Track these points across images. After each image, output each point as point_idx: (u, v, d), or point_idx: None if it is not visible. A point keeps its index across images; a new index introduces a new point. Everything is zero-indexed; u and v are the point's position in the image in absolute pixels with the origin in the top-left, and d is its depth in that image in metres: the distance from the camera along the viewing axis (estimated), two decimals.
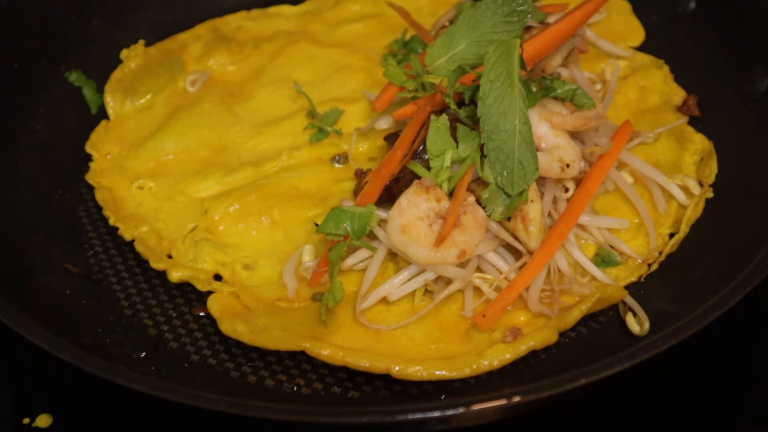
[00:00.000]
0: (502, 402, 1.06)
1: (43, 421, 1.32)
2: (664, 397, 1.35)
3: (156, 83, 1.73)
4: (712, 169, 1.50)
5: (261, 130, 1.63)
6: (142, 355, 1.33)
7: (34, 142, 1.59)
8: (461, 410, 1.05)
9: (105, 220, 1.54)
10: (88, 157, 1.63)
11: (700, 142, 1.56)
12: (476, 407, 1.05)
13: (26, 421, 1.32)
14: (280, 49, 1.78)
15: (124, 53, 1.79)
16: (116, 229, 1.51)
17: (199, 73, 1.75)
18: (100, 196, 1.55)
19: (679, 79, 1.69)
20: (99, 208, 1.55)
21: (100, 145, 1.65)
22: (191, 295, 1.43)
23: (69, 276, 1.43)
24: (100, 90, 1.73)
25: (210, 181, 1.55)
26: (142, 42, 1.81)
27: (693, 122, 1.60)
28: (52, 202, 1.55)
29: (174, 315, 1.40)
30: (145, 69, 1.76)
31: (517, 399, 1.06)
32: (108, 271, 1.47)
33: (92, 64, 1.73)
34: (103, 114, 1.71)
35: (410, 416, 1.05)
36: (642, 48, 1.77)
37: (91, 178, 1.58)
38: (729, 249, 1.37)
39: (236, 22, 1.90)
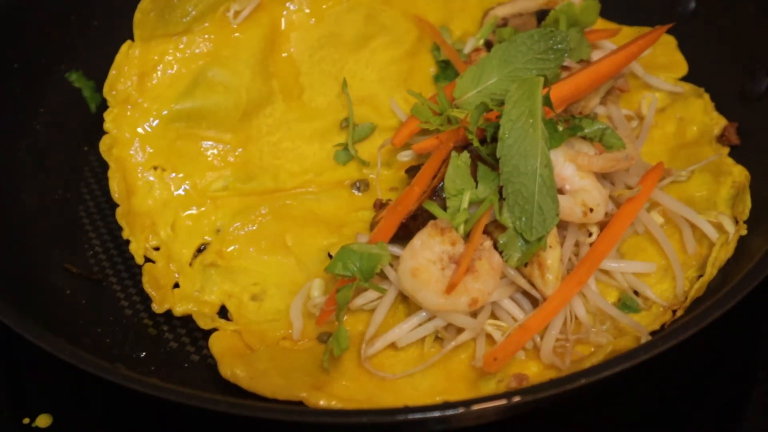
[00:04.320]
0: (502, 402, 1.06)
1: (43, 421, 1.32)
2: (663, 397, 1.35)
3: (198, 5, 1.51)
4: (745, 204, 1.41)
5: (290, 125, 1.56)
6: (142, 355, 1.33)
7: (34, 142, 1.59)
8: (461, 410, 1.05)
9: (105, 219, 1.54)
10: (88, 157, 1.63)
11: (738, 174, 1.46)
12: (476, 407, 1.05)
13: (26, 421, 1.32)
14: None
15: None
16: (116, 228, 1.50)
17: (246, 2, 1.54)
18: (113, 186, 1.46)
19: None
20: (100, 208, 1.56)
21: (119, 84, 1.49)
22: None
23: (69, 276, 1.43)
24: (99, 90, 1.72)
25: (225, 182, 1.49)
26: None
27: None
28: (52, 202, 1.55)
29: (174, 315, 1.39)
30: None
31: (517, 399, 1.06)
32: (108, 271, 1.47)
33: (92, 64, 1.73)
34: (103, 113, 1.70)
35: (410, 416, 1.05)
36: None
37: (104, 144, 1.48)
38: (732, 256, 1.37)
39: None
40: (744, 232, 1.38)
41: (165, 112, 1.50)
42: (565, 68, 1.47)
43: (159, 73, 1.51)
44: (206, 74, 1.52)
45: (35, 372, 1.41)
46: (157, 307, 1.39)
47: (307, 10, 1.60)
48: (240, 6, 1.54)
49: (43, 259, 1.44)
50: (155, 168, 1.49)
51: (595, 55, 1.53)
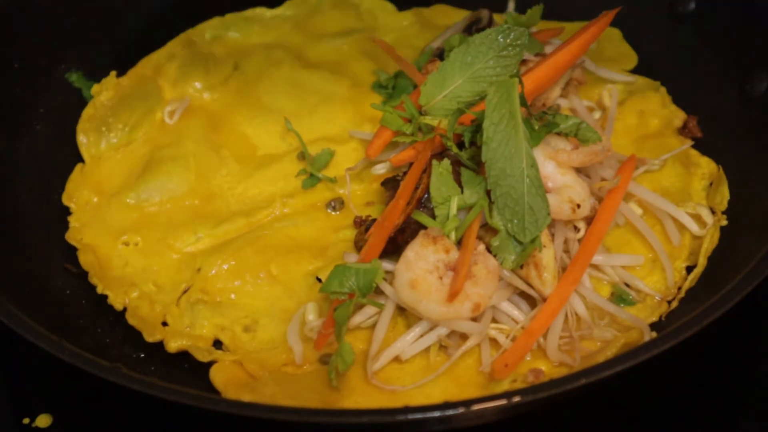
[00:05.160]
0: (502, 402, 1.06)
1: (43, 421, 1.32)
2: (664, 397, 1.35)
3: (131, 117, 1.63)
4: (723, 195, 1.44)
5: (250, 173, 1.55)
6: (142, 356, 1.33)
7: (34, 142, 1.59)
8: (461, 410, 1.05)
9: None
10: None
11: (706, 166, 1.51)
12: (476, 407, 1.05)
13: (26, 421, 1.32)
14: (262, 72, 1.70)
15: (95, 88, 1.69)
16: None
17: (177, 103, 1.65)
18: (83, 260, 1.46)
19: (679, 79, 1.69)
20: None
21: (78, 194, 1.55)
22: None
23: (69, 276, 1.43)
24: None
25: (200, 233, 1.46)
26: (113, 73, 1.72)
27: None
28: (52, 202, 1.54)
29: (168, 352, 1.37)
30: (118, 102, 1.67)
31: (517, 399, 1.06)
32: None
33: (92, 64, 1.73)
34: None
35: (410, 416, 1.05)
36: (641, 48, 1.77)
37: (71, 237, 1.49)
38: (728, 250, 1.37)
39: (211, 31, 1.81)
40: (724, 222, 1.40)
41: (126, 200, 1.52)
42: (523, 62, 1.47)
43: (112, 176, 1.57)
44: (152, 158, 1.58)
45: (35, 372, 1.41)
46: (148, 336, 1.35)
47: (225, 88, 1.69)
48: (172, 106, 1.65)
49: (43, 259, 1.44)
50: (126, 244, 1.48)
51: (547, 51, 1.54)
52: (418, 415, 1.05)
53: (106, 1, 1.79)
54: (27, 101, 1.62)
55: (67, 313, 1.36)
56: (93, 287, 1.42)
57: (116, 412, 1.35)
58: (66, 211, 1.54)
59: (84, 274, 1.44)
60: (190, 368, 1.32)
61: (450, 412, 1.05)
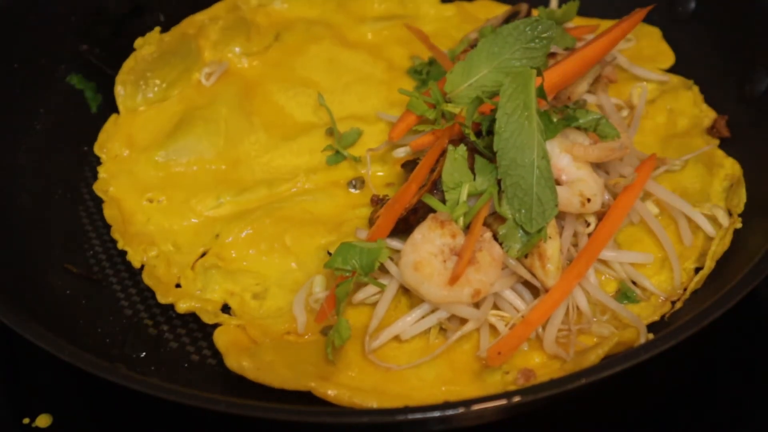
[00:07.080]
0: (502, 402, 1.06)
1: (43, 421, 1.32)
2: (664, 397, 1.35)
3: (170, 74, 1.68)
4: (741, 198, 1.43)
5: (278, 144, 1.59)
6: (142, 355, 1.33)
7: (34, 142, 1.59)
8: (461, 410, 1.05)
9: (105, 219, 1.53)
10: (88, 157, 1.63)
11: (730, 167, 1.50)
12: (476, 407, 1.05)
13: (26, 421, 1.32)
14: (302, 46, 1.74)
15: (138, 41, 1.74)
16: None
17: (216, 66, 1.70)
18: (108, 214, 1.52)
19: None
20: (99, 208, 1.55)
21: (109, 144, 1.61)
22: None
23: (69, 276, 1.43)
24: (99, 91, 1.72)
25: (222, 198, 1.50)
26: (157, 29, 1.76)
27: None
28: (52, 202, 1.55)
29: (174, 315, 1.40)
30: (158, 58, 1.71)
31: (517, 399, 1.06)
32: (108, 271, 1.47)
33: (92, 65, 1.73)
34: (103, 113, 1.70)
35: (410, 416, 1.05)
36: None
37: (99, 187, 1.55)
38: (737, 252, 1.37)
39: None
40: (739, 225, 1.39)
41: (155, 158, 1.57)
42: (552, 56, 1.47)
43: (144, 131, 1.62)
44: (185, 117, 1.62)
45: (35, 372, 1.41)
46: (161, 298, 1.39)
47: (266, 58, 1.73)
48: (210, 69, 1.69)
49: (43, 259, 1.44)
50: (150, 201, 1.53)
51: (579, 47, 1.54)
52: (418, 415, 1.05)
53: (106, 2, 1.79)
54: (27, 101, 1.62)
55: (67, 313, 1.36)
56: (93, 288, 1.42)
57: (116, 412, 1.35)
58: (67, 210, 1.54)
59: (84, 275, 1.44)
60: (189, 368, 1.32)
61: (450, 412, 1.05)
